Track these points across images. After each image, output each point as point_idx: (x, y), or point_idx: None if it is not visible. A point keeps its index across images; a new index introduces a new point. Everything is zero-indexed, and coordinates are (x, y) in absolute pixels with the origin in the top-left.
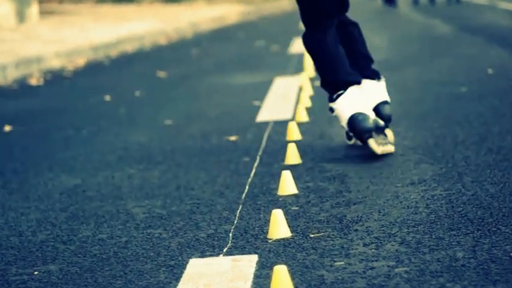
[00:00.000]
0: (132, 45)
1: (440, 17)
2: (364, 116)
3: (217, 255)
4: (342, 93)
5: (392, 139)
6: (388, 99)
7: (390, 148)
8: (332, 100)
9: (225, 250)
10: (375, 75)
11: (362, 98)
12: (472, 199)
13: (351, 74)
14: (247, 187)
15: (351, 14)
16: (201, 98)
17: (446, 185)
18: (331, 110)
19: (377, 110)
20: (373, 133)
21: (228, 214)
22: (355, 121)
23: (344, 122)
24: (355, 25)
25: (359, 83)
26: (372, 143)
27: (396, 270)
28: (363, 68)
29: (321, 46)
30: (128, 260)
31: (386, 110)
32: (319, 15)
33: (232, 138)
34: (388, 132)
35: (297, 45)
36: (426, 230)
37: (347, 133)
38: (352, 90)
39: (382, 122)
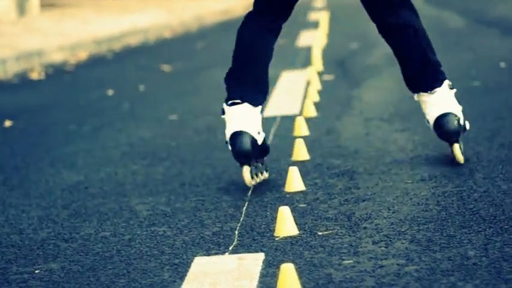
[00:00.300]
0: (135, 39)
1: (453, 10)
2: (246, 138)
3: (223, 253)
4: (238, 103)
5: (460, 157)
6: (449, 109)
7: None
8: (226, 102)
9: (230, 248)
10: (428, 86)
11: (252, 116)
12: (484, 196)
13: (246, 92)
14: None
15: (357, 8)
16: (206, 92)
17: (458, 181)
18: (222, 111)
19: (436, 126)
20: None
21: (233, 211)
22: (234, 140)
23: (227, 134)
24: (409, 27)
25: (253, 103)
26: (245, 171)
27: (406, 268)
28: (426, 75)
29: (249, 42)
30: (131, 258)
31: (448, 123)
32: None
33: None
34: (455, 148)
35: (305, 39)
36: (437, 228)
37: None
38: (246, 105)
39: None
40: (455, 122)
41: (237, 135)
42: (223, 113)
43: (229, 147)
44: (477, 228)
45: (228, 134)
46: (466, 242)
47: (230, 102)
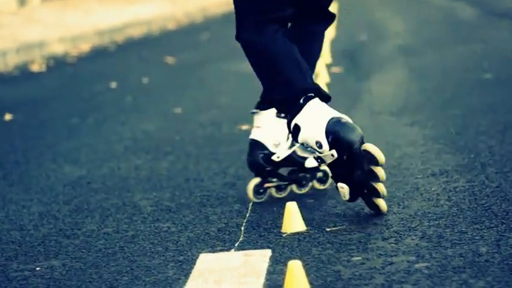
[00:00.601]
0: (139, 30)
1: (464, 1)
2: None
3: (229, 250)
4: (312, 97)
5: (250, 195)
6: (256, 137)
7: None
8: (296, 109)
9: (236, 245)
10: (258, 103)
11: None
12: (496, 191)
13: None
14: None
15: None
16: (211, 85)
17: (469, 176)
18: (294, 132)
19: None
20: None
21: (239, 207)
22: (341, 127)
23: (319, 132)
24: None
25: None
26: (375, 149)
27: (416, 265)
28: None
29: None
30: (134, 255)
31: (248, 153)
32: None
33: (244, 127)
34: (249, 184)
35: None
36: (448, 224)
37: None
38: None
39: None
40: (258, 154)
41: (342, 122)
42: (296, 132)
43: (331, 153)
44: (489, 224)
45: (321, 131)
46: (477, 238)
47: (303, 100)
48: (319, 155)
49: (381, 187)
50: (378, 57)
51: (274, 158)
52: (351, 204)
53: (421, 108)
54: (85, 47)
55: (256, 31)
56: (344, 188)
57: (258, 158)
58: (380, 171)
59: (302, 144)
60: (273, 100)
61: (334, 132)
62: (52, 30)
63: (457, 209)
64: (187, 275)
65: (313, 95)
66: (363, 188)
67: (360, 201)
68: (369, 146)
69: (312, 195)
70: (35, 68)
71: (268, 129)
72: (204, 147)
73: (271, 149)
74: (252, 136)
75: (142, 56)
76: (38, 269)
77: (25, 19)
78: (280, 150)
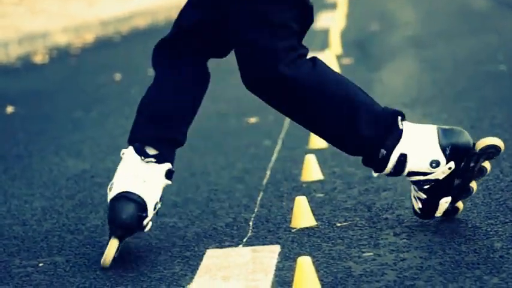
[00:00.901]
0: (144, 20)
1: None
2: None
3: (237, 245)
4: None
5: (107, 259)
6: (125, 188)
7: None
8: (394, 137)
9: (244, 240)
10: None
11: None
12: (511, 185)
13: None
14: (268, 172)
15: None
16: (218, 77)
17: None
18: (400, 163)
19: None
20: None
21: (247, 201)
22: (454, 135)
23: (434, 150)
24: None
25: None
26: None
27: (429, 261)
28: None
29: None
30: (140, 250)
31: (115, 208)
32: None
33: (252, 120)
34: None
35: (322, 20)
36: (461, 219)
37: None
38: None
39: None
40: (136, 215)
41: (448, 130)
42: (402, 163)
43: (448, 166)
44: (504, 219)
45: (435, 147)
46: (492, 233)
47: (400, 122)
48: (428, 176)
49: (474, 184)
50: (389, 47)
51: (145, 222)
52: (362, 198)
53: (433, 100)
54: (89, 37)
55: (299, 65)
56: (447, 202)
57: (134, 219)
58: (488, 164)
59: (408, 174)
60: (359, 137)
61: (451, 143)
62: (55, 21)
63: (471, 204)
64: (194, 271)
65: (401, 117)
66: (462, 193)
67: (371, 196)
68: (488, 140)
69: (322, 189)
70: (38, 59)
71: (155, 187)
72: (211, 141)
73: (150, 212)
74: (133, 190)
75: (148, 47)
76: (40, 265)
77: (28, 9)
78: (151, 213)
